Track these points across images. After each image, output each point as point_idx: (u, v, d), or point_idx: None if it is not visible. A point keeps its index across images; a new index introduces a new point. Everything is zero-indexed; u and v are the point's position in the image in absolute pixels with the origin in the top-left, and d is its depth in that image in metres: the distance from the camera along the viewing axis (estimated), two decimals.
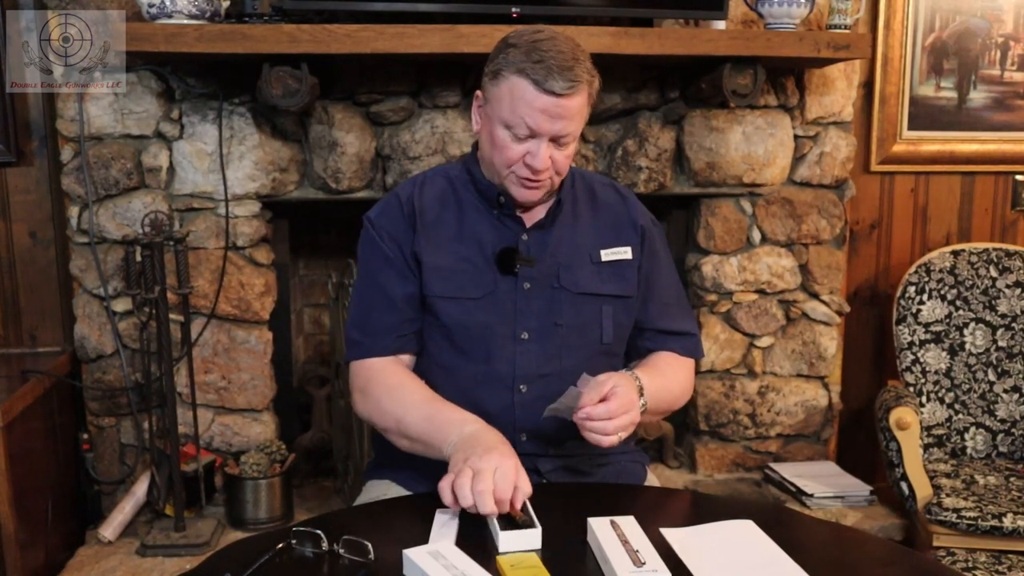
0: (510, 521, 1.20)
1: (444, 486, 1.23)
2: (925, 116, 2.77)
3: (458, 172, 1.58)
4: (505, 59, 1.40)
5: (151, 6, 2.02)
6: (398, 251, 1.52)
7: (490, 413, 1.45)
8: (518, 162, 1.43)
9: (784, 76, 2.50)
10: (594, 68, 1.43)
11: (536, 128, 1.40)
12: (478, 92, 1.48)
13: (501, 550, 1.15)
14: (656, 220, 1.65)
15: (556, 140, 1.42)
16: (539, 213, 1.53)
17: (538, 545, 1.17)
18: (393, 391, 1.47)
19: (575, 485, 1.48)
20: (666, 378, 1.55)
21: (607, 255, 1.55)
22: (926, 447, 2.55)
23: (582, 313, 1.52)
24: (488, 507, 1.18)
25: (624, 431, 1.35)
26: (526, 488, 1.23)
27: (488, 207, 1.53)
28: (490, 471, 1.21)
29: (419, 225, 1.51)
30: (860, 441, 2.85)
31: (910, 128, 2.77)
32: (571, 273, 1.52)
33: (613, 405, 1.33)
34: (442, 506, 1.27)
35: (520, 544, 1.16)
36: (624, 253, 1.56)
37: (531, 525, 1.18)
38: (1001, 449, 2.58)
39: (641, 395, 1.42)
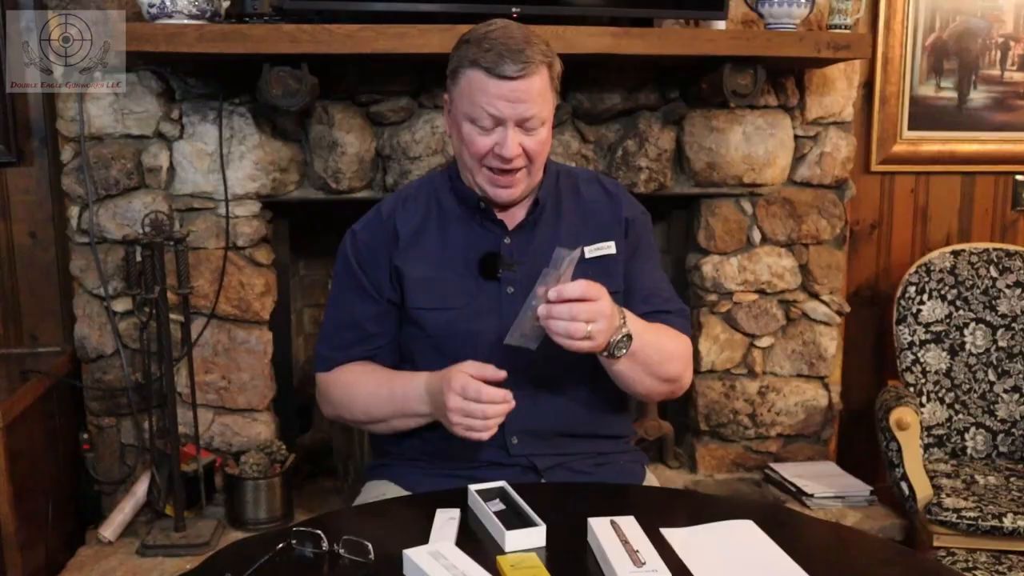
0: (514, 520, 1.21)
1: (463, 434, 1.34)
2: (925, 116, 2.77)
3: (441, 181, 1.59)
4: (460, 56, 1.43)
5: (151, 6, 2.02)
6: (371, 269, 1.54)
7: None
8: (488, 154, 1.43)
9: (784, 76, 2.50)
10: (551, 51, 1.43)
11: (498, 115, 1.40)
12: (445, 95, 1.49)
13: (507, 549, 1.15)
14: (646, 211, 1.63)
15: (522, 126, 1.41)
16: (520, 215, 1.53)
17: (543, 543, 1.17)
18: (349, 387, 1.54)
19: (575, 485, 1.48)
20: (657, 330, 1.49)
21: (591, 251, 1.53)
22: (926, 447, 2.55)
23: None
24: (499, 410, 1.31)
25: (594, 323, 1.29)
26: (486, 368, 1.34)
27: (469, 213, 1.53)
28: (464, 404, 1.32)
29: (400, 240, 1.53)
30: (860, 441, 2.85)
31: (910, 128, 2.77)
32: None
33: (577, 289, 1.28)
34: (442, 506, 1.27)
35: (525, 542, 1.16)
36: (608, 248, 1.55)
37: (534, 523, 1.19)
38: (1001, 449, 2.58)
39: (624, 322, 1.37)
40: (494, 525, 1.19)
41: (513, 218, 1.53)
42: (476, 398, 1.31)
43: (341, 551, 1.15)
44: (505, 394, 1.32)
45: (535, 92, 1.40)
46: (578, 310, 1.28)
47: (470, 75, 1.40)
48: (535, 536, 1.17)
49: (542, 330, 1.32)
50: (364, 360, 1.57)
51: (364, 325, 1.55)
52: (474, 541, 1.19)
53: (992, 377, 2.59)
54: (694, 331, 2.60)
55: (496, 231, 1.52)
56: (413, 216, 1.55)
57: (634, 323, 1.40)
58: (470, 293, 1.50)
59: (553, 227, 1.54)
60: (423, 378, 1.44)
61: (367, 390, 1.52)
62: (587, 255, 1.53)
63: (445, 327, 1.50)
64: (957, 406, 2.58)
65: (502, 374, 1.34)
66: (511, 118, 1.40)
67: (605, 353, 1.38)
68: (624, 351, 1.38)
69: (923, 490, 2.31)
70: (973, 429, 2.58)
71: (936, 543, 2.24)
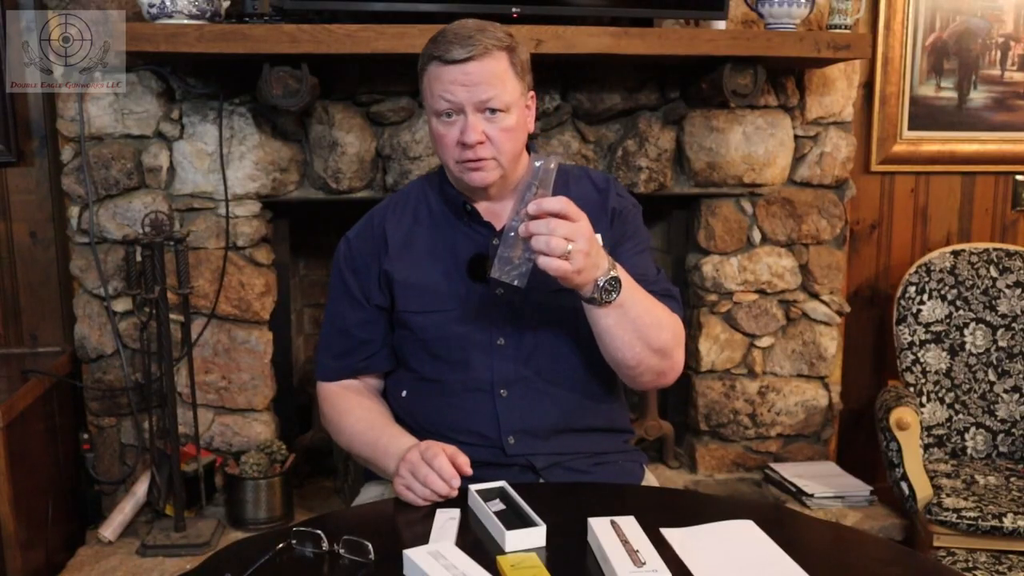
0: (514, 520, 1.21)
1: (400, 489, 1.33)
2: (925, 116, 2.77)
3: (429, 185, 1.60)
4: (421, 58, 1.46)
5: (151, 6, 2.02)
6: (361, 274, 1.55)
7: (475, 418, 1.48)
8: (456, 145, 1.43)
9: (784, 76, 2.50)
10: (511, 38, 1.44)
11: (454, 99, 1.40)
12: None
13: (507, 549, 1.15)
14: (637, 203, 1.61)
15: (483, 111, 1.41)
16: (506, 216, 1.52)
17: (543, 543, 1.17)
18: (341, 418, 1.56)
19: (575, 485, 1.48)
20: (647, 295, 1.44)
21: None
22: (926, 447, 2.55)
23: (556, 311, 1.50)
24: (439, 486, 1.29)
25: (574, 243, 1.25)
26: (459, 455, 1.32)
27: (457, 216, 1.54)
28: (419, 459, 1.31)
29: (390, 245, 1.54)
30: (860, 441, 2.85)
31: (910, 128, 2.77)
32: (543, 272, 1.50)
33: (557, 203, 1.25)
34: (442, 506, 1.27)
35: (525, 543, 1.16)
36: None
37: (534, 523, 1.19)
38: (1001, 449, 2.58)
39: (613, 267, 1.34)
40: (494, 525, 1.19)
41: (500, 219, 1.52)
42: (429, 462, 1.31)
43: (341, 551, 1.15)
44: (454, 477, 1.30)
45: (489, 74, 1.40)
46: (556, 225, 1.25)
47: (428, 70, 1.43)
48: (535, 536, 1.17)
49: (528, 261, 1.29)
50: (350, 375, 1.59)
51: (354, 332, 1.56)
52: (474, 541, 1.19)
53: (992, 377, 2.59)
54: (694, 331, 2.60)
55: (484, 233, 1.52)
56: (402, 221, 1.56)
57: (624, 274, 1.37)
58: (459, 296, 1.50)
59: None
60: (407, 443, 1.42)
61: (356, 428, 1.53)
62: None
63: (435, 330, 1.50)
64: (957, 406, 2.58)
65: (468, 471, 1.32)
66: (468, 102, 1.40)
67: (594, 296, 1.33)
68: (614, 296, 1.34)
69: (923, 490, 2.31)
70: (973, 429, 2.57)
71: (936, 543, 2.24)
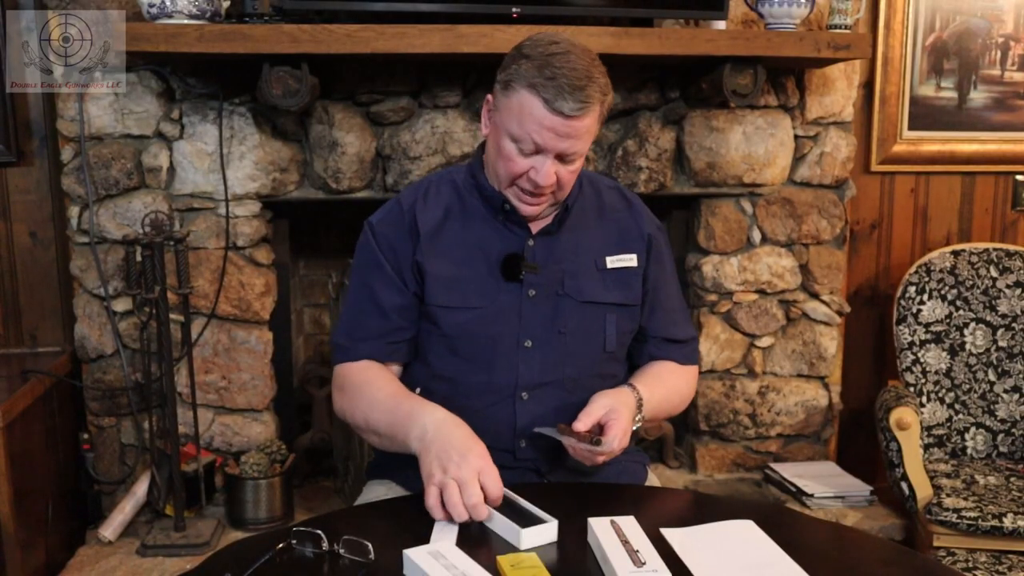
0: (526, 518, 1.21)
1: (433, 504, 1.23)
2: (925, 116, 2.77)
3: (463, 177, 1.55)
4: (518, 71, 1.37)
5: (151, 6, 2.03)
6: (395, 260, 1.51)
7: (491, 420, 1.46)
8: (522, 176, 1.41)
9: (784, 76, 2.50)
10: (608, 84, 1.40)
11: (543, 145, 1.38)
12: (489, 96, 1.46)
13: (523, 547, 1.15)
14: (661, 225, 1.64)
15: (562, 157, 1.40)
16: (546, 219, 1.52)
17: (555, 537, 1.19)
18: (362, 387, 1.47)
19: (575, 485, 1.48)
20: (667, 388, 1.58)
21: (612, 262, 1.53)
22: (926, 447, 2.55)
23: (586, 321, 1.50)
24: (483, 515, 1.21)
25: (614, 455, 1.41)
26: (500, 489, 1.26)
27: (492, 213, 1.51)
28: (474, 479, 1.23)
29: (421, 235, 1.50)
30: (860, 441, 2.85)
31: (910, 128, 2.77)
32: (576, 280, 1.50)
33: (606, 439, 1.37)
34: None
35: (540, 539, 1.17)
36: (630, 260, 1.55)
37: (543, 520, 1.20)
38: (1001, 449, 2.57)
39: (640, 409, 1.46)
40: (506, 524, 1.19)
41: (539, 222, 1.51)
42: (465, 500, 1.21)
43: (341, 551, 1.15)
44: (481, 511, 1.21)
45: (584, 130, 1.38)
46: (600, 460, 1.40)
47: (524, 97, 1.35)
48: (548, 532, 1.18)
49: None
50: (380, 359, 1.52)
51: (391, 315, 1.50)
52: (474, 541, 1.19)
53: (992, 377, 2.59)
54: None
55: (520, 232, 1.50)
56: (434, 211, 1.52)
57: (650, 399, 1.49)
58: (491, 294, 1.48)
59: (576, 233, 1.53)
60: (434, 413, 1.35)
61: (377, 396, 1.44)
62: (608, 265, 1.53)
63: (463, 327, 1.47)
64: (957, 406, 2.58)
65: (498, 503, 1.25)
66: (554, 150, 1.38)
67: None
68: (637, 426, 1.48)
69: (923, 490, 2.31)
70: (973, 429, 2.57)
71: (936, 543, 2.24)
